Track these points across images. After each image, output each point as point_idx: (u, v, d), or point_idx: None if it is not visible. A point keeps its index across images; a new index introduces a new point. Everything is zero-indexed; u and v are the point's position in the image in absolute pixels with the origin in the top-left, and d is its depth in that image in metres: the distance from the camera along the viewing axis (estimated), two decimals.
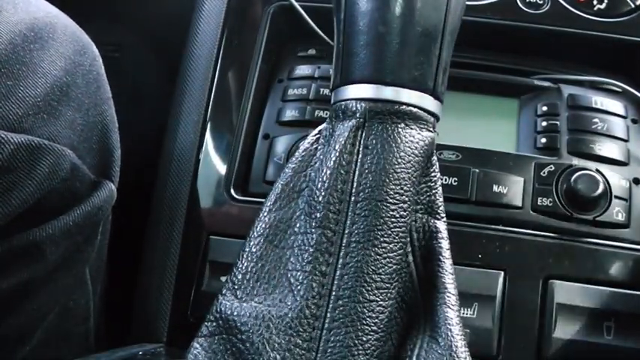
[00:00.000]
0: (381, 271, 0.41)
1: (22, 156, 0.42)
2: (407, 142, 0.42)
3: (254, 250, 0.43)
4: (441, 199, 0.45)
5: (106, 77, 0.53)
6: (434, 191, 0.44)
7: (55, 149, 0.45)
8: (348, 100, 0.43)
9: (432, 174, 0.44)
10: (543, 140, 0.62)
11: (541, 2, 0.67)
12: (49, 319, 0.52)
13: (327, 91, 0.63)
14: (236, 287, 0.42)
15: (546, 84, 0.66)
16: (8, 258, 0.45)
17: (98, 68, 0.52)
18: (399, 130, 0.42)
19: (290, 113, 0.64)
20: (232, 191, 0.61)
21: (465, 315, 0.55)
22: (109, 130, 0.52)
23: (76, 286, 0.54)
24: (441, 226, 0.44)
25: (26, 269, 0.47)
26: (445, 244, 0.44)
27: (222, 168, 0.62)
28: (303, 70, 0.66)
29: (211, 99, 0.64)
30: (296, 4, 0.66)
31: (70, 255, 0.50)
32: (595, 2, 0.67)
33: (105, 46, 0.53)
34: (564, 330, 0.55)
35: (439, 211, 0.44)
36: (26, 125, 0.43)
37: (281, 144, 0.62)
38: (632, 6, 0.67)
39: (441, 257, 0.43)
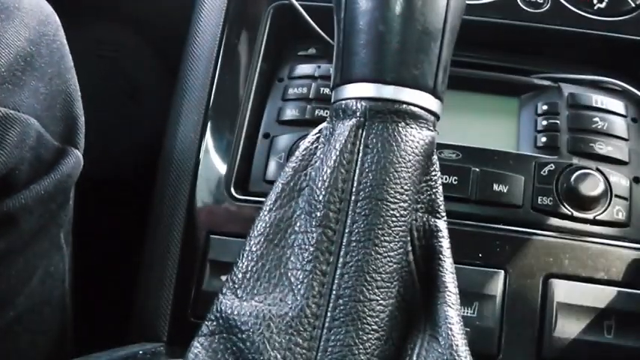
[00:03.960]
0: (381, 270, 0.41)
1: None
2: (407, 141, 0.42)
3: (254, 249, 0.43)
4: (442, 198, 0.45)
5: (68, 47, 0.53)
6: (434, 190, 0.44)
7: (21, 118, 0.45)
8: (348, 99, 0.43)
9: (433, 173, 0.44)
10: (543, 139, 0.62)
11: (541, 1, 0.67)
12: (32, 284, 0.52)
13: (327, 91, 0.63)
14: (236, 286, 0.42)
15: (546, 83, 0.66)
16: None
17: (61, 38, 0.52)
18: (400, 129, 0.42)
19: (290, 112, 0.64)
20: (232, 190, 0.61)
21: (465, 314, 0.55)
22: (72, 98, 0.52)
23: (53, 250, 0.55)
24: (442, 225, 0.44)
25: (2, 239, 0.48)
26: (445, 243, 0.43)
27: (222, 167, 0.62)
28: (303, 69, 0.66)
29: (211, 99, 0.64)
30: (296, 4, 0.66)
31: (45, 222, 0.51)
32: (595, 1, 0.67)
33: (105, 46, 0.53)
34: (564, 329, 0.55)
35: (440, 210, 0.44)
36: None
37: (281, 143, 0.62)
38: (633, 5, 0.67)
39: (441, 256, 0.43)
